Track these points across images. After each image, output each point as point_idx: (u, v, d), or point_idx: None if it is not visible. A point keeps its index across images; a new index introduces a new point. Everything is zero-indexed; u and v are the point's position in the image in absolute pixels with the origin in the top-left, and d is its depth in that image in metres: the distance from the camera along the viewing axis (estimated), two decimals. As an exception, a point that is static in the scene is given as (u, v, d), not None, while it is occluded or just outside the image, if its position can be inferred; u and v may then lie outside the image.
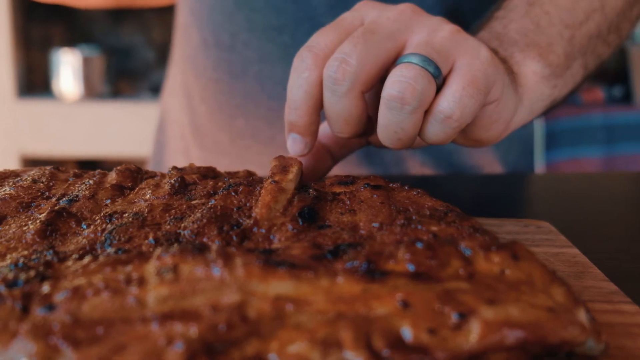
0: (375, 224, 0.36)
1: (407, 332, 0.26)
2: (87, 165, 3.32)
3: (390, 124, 0.43)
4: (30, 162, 3.16)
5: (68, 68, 3.05)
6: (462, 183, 0.79)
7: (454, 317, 0.26)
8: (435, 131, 0.44)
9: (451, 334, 0.26)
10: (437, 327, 0.26)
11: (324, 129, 0.53)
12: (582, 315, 0.29)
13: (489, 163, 0.90)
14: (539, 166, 2.76)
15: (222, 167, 0.92)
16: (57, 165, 0.46)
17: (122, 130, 3.07)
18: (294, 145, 0.48)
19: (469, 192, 0.73)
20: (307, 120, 0.46)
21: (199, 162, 0.90)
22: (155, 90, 3.28)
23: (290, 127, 0.47)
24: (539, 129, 2.85)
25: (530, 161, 0.98)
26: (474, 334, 0.26)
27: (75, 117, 3.06)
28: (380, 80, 0.45)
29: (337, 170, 0.83)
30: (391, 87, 0.42)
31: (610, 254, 0.49)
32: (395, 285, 0.28)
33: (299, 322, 0.26)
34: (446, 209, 0.37)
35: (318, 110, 0.47)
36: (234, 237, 0.34)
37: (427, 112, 0.43)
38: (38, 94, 3.19)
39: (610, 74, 3.51)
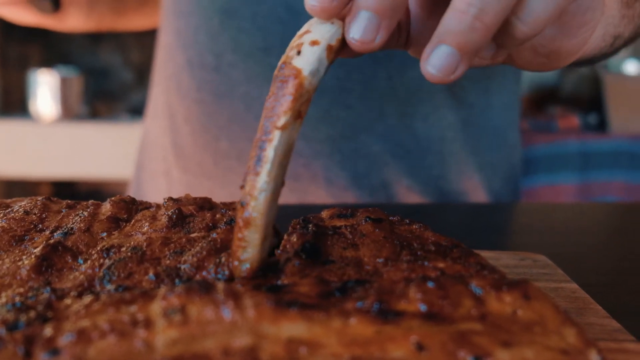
0: (380, 260, 0.35)
1: (423, 377, 0.25)
2: (62, 187, 3.28)
3: None
4: (6, 183, 3.11)
5: (45, 88, 3.02)
6: (451, 212, 0.79)
7: (470, 361, 0.26)
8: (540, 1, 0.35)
9: (468, 378, 0.26)
10: (454, 371, 0.26)
11: None
12: (594, 357, 0.28)
13: (474, 189, 0.90)
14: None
15: (204, 189, 0.91)
16: (49, 196, 0.45)
17: (99, 152, 3.04)
18: None
19: (460, 222, 0.73)
20: None
21: (181, 184, 0.89)
22: (133, 111, 3.26)
23: None
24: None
25: (515, 188, 0.99)
26: (491, 378, 0.26)
27: (52, 138, 3.02)
28: None
29: (324, 194, 0.83)
30: None
31: (607, 287, 0.49)
32: (409, 327, 0.27)
33: (313, 366, 0.25)
34: (451, 244, 0.37)
35: None
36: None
37: None
38: (15, 115, 3.15)
39: (585, 101, 3.58)
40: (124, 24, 1.06)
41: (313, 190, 0.83)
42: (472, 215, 0.78)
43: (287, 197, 0.82)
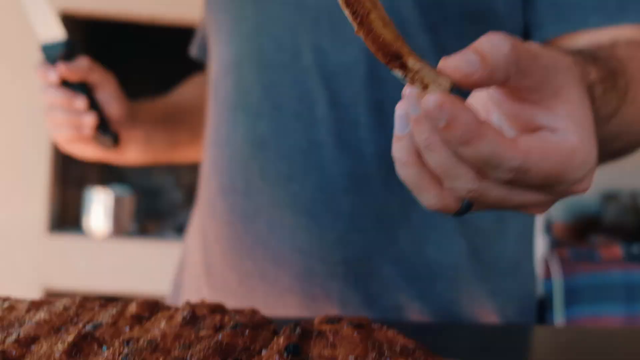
0: (352, 357, 0.42)
1: None
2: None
3: None
4: (55, 296, 3.22)
5: (99, 206, 3.20)
6: (460, 334, 0.83)
7: None
8: None
9: None
10: None
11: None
12: None
13: (487, 316, 0.93)
14: (560, 323, 2.73)
15: (229, 307, 0.98)
16: (85, 296, 0.53)
17: (145, 268, 3.15)
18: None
19: (471, 344, 0.76)
20: None
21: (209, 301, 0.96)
22: (179, 230, 3.40)
23: None
24: (558, 285, 2.86)
25: (531, 317, 1.00)
26: None
27: (101, 254, 3.16)
28: None
29: (338, 313, 0.88)
30: None
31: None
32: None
33: None
34: (414, 347, 0.43)
35: None
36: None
37: None
38: (68, 230, 3.32)
39: (628, 231, 3.56)
40: (178, 156, 1.19)
41: (328, 309, 0.89)
42: (484, 337, 0.81)
43: (303, 315, 0.88)
